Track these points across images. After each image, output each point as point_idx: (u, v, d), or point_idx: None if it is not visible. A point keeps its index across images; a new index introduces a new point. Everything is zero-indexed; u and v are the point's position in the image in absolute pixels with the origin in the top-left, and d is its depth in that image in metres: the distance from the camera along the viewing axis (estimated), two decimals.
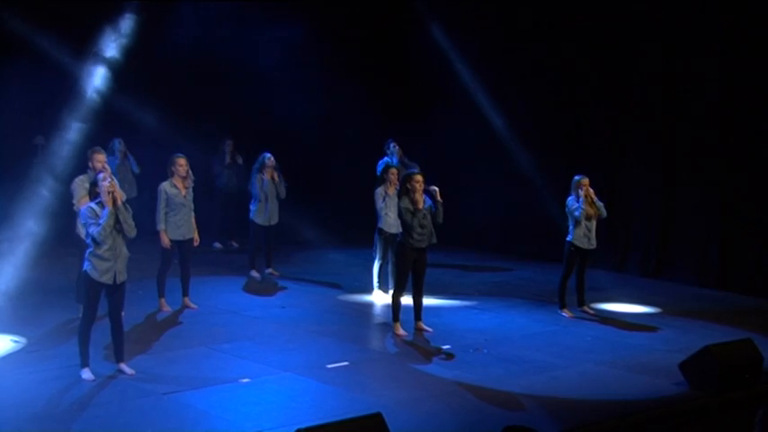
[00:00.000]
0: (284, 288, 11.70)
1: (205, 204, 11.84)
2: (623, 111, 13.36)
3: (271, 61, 15.03)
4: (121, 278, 7.67)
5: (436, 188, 9.27)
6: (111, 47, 13.47)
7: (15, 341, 8.70)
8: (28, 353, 8.41)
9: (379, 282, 11.16)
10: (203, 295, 10.68)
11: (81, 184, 9.15)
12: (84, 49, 13.38)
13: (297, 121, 15.28)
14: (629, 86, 13.25)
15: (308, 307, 10.69)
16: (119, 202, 7.52)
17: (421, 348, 9.05)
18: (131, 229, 7.64)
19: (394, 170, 10.76)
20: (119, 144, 13.08)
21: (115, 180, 7.71)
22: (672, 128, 12.70)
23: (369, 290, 11.28)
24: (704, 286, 12.29)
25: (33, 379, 7.64)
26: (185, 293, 10.30)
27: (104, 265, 7.54)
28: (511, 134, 14.40)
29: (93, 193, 7.63)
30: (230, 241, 14.48)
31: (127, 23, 13.52)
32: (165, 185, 9.93)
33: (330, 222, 15.45)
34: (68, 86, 13.23)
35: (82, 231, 8.15)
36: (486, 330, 9.81)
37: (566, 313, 10.45)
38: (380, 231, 10.83)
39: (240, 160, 14.25)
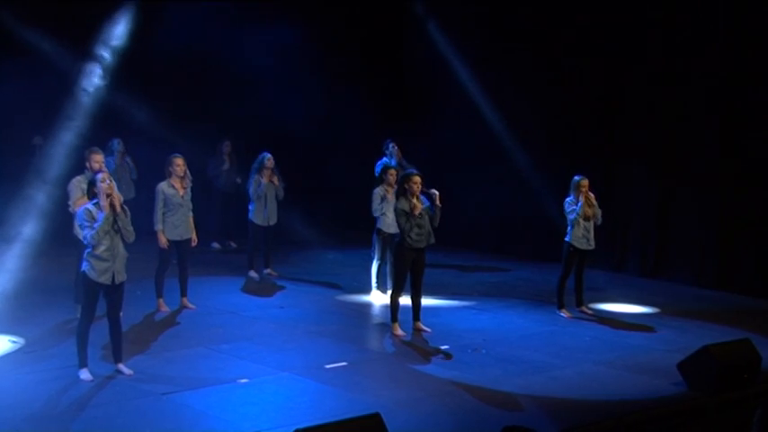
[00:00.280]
0: (283, 288, 11.70)
1: (203, 205, 11.85)
2: (622, 111, 13.37)
3: (270, 62, 15.02)
4: (120, 278, 7.66)
5: (436, 192, 9.27)
6: (110, 46, 13.46)
7: (13, 341, 8.70)
8: (26, 353, 8.40)
9: (377, 282, 11.16)
10: (202, 295, 10.68)
11: (78, 185, 9.15)
12: (83, 48, 13.37)
13: (295, 121, 15.28)
14: (628, 87, 13.25)
15: (306, 307, 10.69)
16: (117, 208, 7.52)
17: (419, 348, 9.05)
18: (130, 235, 7.64)
19: (393, 171, 10.76)
20: (118, 144, 13.03)
21: (113, 183, 7.70)
22: (670, 128, 12.70)
23: (367, 290, 11.28)
24: (702, 286, 12.30)
25: (31, 379, 7.63)
26: (184, 294, 10.29)
27: (102, 266, 7.53)
28: (509, 134, 14.42)
29: (91, 193, 7.62)
30: (229, 241, 14.48)
31: (126, 23, 13.51)
32: (162, 186, 9.93)
33: (328, 223, 15.47)
34: (66, 86, 13.22)
35: (80, 232, 8.13)
36: (485, 330, 9.81)
37: (564, 313, 10.45)
38: (379, 232, 10.83)
39: (234, 162, 14.25)
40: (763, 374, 8.10)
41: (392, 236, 10.24)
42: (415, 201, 9.21)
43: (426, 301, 9.92)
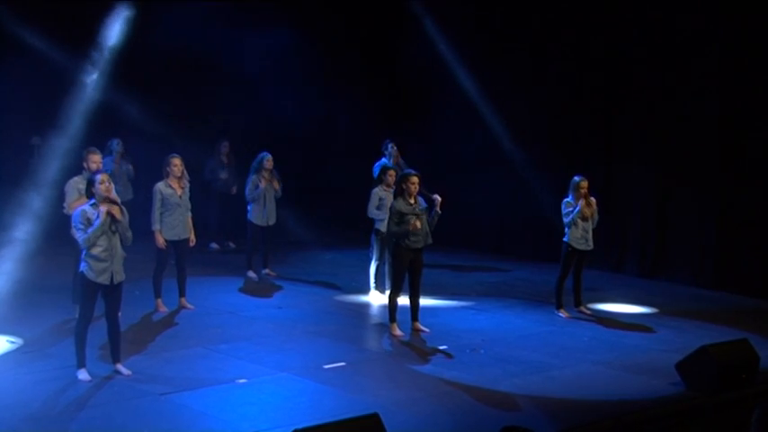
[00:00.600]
0: (281, 288, 11.69)
1: (202, 205, 11.84)
2: (621, 112, 13.37)
3: (269, 62, 15.04)
4: (119, 278, 7.66)
5: (438, 198, 9.28)
6: (108, 46, 13.45)
7: (12, 341, 8.69)
8: (24, 353, 8.40)
9: (375, 282, 11.16)
10: (200, 296, 10.67)
11: (75, 186, 9.14)
12: (81, 48, 13.37)
13: (294, 121, 15.29)
14: (627, 87, 13.25)
15: (304, 307, 10.68)
16: (118, 216, 7.51)
17: (418, 349, 9.05)
18: (128, 240, 7.65)
19: (392, 172, 10.76)
20: (117, 145, 12.98)
21: (112, 185, 7.69)
22: (669, 129, 12.70)
23: (366, 290, 11.28)
24: (701, 286, 12.31)
25: (30, 380, 7.62)
26: (182, 294, 10.29)
27: (100, 266, 7.53)
28: (508, 134, 14.42)
29: (90, 193, 7.61)
30: (227, 242, 14.47)
31: (124, 23, 13.50)
32: (160, 186, 9.93)
33: (327, 223, 15.47)
34: (65, 86, 13.21)
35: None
36: (483, 331, 9.81)
37: (562, 314, 10.46)
38: (377, 232, 10.83)
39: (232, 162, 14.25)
40: (761, 374, 8.10)
41: None
42: (412, 201, 9.21)
43: (425, 302, 9.93)
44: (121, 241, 7.61)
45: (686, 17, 12.39)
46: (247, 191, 11.86)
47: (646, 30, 12.85)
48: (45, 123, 13.14)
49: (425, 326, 9.59)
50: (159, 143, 12.98)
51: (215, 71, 15.10)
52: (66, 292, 9.62)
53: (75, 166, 9.88)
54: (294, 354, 8.69)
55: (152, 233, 9.91)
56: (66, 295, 9.64)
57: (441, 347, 9.03)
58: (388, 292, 9.84)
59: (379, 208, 10.65)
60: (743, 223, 12.03)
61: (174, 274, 10.19)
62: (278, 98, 15.08)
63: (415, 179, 9.23)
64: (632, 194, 13.22)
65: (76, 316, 7.94)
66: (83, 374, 7.63)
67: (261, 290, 11.56)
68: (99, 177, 7.59)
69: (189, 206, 10.08)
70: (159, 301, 10.12)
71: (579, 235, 10.31)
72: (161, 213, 9.88)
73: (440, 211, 9.30)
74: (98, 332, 8.01)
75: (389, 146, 12.53)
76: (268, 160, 11.86)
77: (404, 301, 9.52)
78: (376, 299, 11.03)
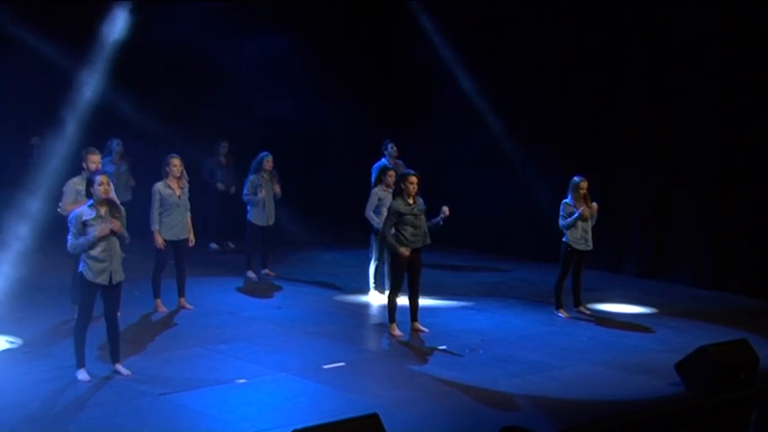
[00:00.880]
0: (280, 289, 11.69)
1: (201, 205, 11.83)
2: (620, 112, 13.37)
3: (268, 63, 15.02)
4: (118, 278, 7.66)
5: (447, 212, 9.31)
6: (107, 46, 13.45)
7: (11, 342, 8.69)
8: (23, 353, 8.39)
9: (374, 282, 11.16)
10: (199, 296, 10.67)
11: (73, 187, 9.13)
12: (81, 48, 13.36)
13: (294, 122, 15.28)
14: (626, 87, 13.25)
15: (304, 308, 10.68)
16: (118, 229, 7.51)
17: (417, 349, 9.04)
18: (125, 240, 7.67)
19: (392, 172, 10.75)
20: (117, 145, 12.95)
21: (111, 186, 7.69)
22: (669, 129, 12.70)
23: (365, 290, 11.28)
24: (700, 287, 12.31)
25: (29, 380, 7.62)
26: (181, 294, 10.29)
27: (99, 266, 7.52)
28: (508, 135, 14.42)
29: (89, 193, 7.60)
30: (227, 242, 14.46)
31: (124, 23, 13.50)
32: (159, 186, 9.92)
33: (326, 223, 15.46)
34: (64, 86, 13.20)
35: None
36: (483, 331, 9.81)
37: (562, 314, 10.46)
38: (376, 232, 10.82)
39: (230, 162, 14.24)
40: (760, 375, 8.10)
41: None
42: (411, 201, 9.22)
43: (424, 302, 9.93)
44: (120, 240, 7.62)
45: (686, 17, 12.39)
46: (245, 191, 11.83)
47: (645, 30, 12.85)
48: (44, 123, 13.13)
49: (425, 326, 9.59)
50: (158, 143, 12.97)
51: (214, 71, 15.08)
52: (66, 292, 9.62)
53: (75, 167, 9.86)
54: (293, 354, 8.69)
55: (151, 233, 9.90)
56: (65, 295, 9.64)
57: (440, 347, 9.03)
58: (387, 293, 9.84)
59: (378, 208, 10.64)
60: (742, 223, 12.03)
61: (174, 274, 10.19)
62: (277, 98, 15.08)
63: (414, 179, 9.23)
64: (632, 194, 13.22)
65: (75, 316, 7.94)
66: (82, 375, 7.63)
67: (260, 290, 11.55)
68: (99, 178, 7.54)
69: (188, 206, 10.07)
70: (158, 301, 10.11)
71: (579, 235, 10.31)
72: (160, 213, 9.87)
73: (442, 223, 9.34)
74: (97, 332, 8.01)
75: (389, 146, 12.50)
76: (268, 161, 11.82)
77: (403, 301, 9.52)
78: (375, 299, 11.03)
